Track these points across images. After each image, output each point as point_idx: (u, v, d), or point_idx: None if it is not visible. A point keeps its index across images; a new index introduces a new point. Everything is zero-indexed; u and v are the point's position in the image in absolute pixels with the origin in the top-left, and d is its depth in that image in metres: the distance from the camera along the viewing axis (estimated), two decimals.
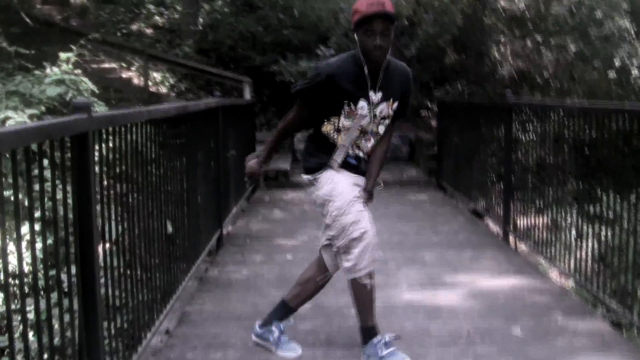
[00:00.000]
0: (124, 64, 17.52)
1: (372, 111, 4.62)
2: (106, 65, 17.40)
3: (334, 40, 15.47)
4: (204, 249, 7.02)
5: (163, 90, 17.35)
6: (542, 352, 4.86)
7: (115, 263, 4.13)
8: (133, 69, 17.55)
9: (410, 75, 4.85)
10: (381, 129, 4.74)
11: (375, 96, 4.59)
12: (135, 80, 17.25)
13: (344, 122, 4.60)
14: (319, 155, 4.72)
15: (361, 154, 4.75)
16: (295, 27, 17.80)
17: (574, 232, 6.60)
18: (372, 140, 4.75)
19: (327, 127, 4.66)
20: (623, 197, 5.54)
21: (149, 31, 20.05)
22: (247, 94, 14.58)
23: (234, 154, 9.21)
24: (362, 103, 4.56)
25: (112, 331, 4.02)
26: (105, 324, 3.85)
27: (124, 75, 17.30)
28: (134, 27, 20.06)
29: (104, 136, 3.91)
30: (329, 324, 5.43)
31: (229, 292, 6.26)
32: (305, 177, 4.86)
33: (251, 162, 4.90)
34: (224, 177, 8.50)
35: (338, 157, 4.66)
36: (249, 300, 6.02)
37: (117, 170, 4.27)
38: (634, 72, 12.76)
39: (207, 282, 6.57)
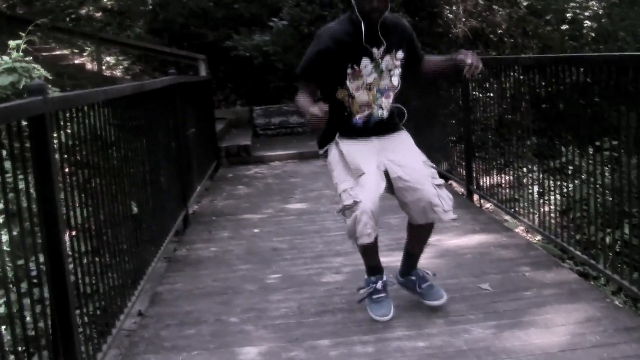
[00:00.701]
0: (75, 50, 17.35)
1: (379, 67, 4.65)
2: (58, 52, 17.22)
3: (286, 11, 15.42)
4: (171, 229, 7.01)
5: (117, 73, 17.22)
6: (512, 304, 4.93)
7: (82, 249, 4.11)
8: (85, 54, 17.39)
9: (404, 21, 4.92)
10: (395, 81, 4.76)
11: (378, 51, 4.62)
12: (89, 66, 17.11)
13: (350, 85, 4.64)
14: (330, 125, 4.60)
15: (385, 114, 4.81)
16: (246, 1, 17.66)
17: (537, 188, 6.66)
18: (392, 95, 4.79)
19: (342, 93, 4.70)
20: (583, 150, 5.59)
21: (98, 14, 19.81)
22: (203, 71, 14.52)
23: (194, 132, 9.17)
24: (364, 61, 4.60)
25: (85, 318, 4.01)
26: (78, 311, 3.84)
27: (77, 61, 17.15)
28: (83, 11, 19.80)
29: (61, 119, 3.89)
30: (300, 293, 5.46)
31: (198, 269, 6.27)
32: (321, 151, 4.97)
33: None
34: (186, 156, 8.47)
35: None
36: (219, 276, 6.04)
37: (77, 153, 4.25)
38: (586, 23, 12.86)
39: (177, 262, 6.57)
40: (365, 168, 4.55)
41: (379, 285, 4.88)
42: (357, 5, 4.52)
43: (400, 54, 4.75)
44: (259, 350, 4.44)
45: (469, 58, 4.55)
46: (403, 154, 4.73)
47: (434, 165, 4.81)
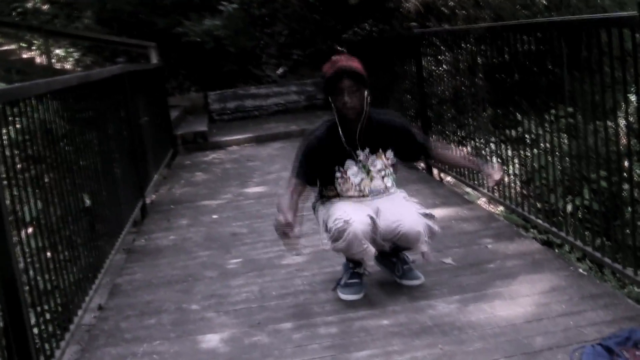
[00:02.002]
0: (23, 44, 17.09)
1: (365, 168, 4.68)
2: (5, 48, 16.95)
3: None
4: (128, 220, 6.90)
5: (68, 66, 16.99)
6: (475, 278, 4.90)
7: (33, 245, 4.02)
8: (34, 48, 17.14)
9: (394, 118, 4.97)
10: (388, 182, 4.79)
11: (363, 153, 4.67)
12: (38, 60, 16.86)
13: (341, 187, 4.70)
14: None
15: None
16: None
17: (496, 159, 6.62)
18: (384, 196, 4.77)
19: (330, 193, 4.75)
20: (541, 118, 5.56)
21: (45, 7, 19.50)
22: (154, 59, 14.32)
23: (147, 120, 9.04)
24: (349, 163, 4.66)
25: (40, 316, 3.93)
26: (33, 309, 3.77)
27: (26, 55, 16.89)
28: (29, 4, 19.49)
29: (2, 112, 3.77)
30: (261, 276, 5.39)
31: (158, 259, 6.18)
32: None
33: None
34: (140, 145, 8.33)
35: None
36: (178, 264, 5.95)
37: (24, 148, 4.15)
38: None
39: (135, 252, 6.46)
40: (357, 211, 4.54)
41: (360, 270, 4.82)
42: (333, 107, 4.60)
43: (389, 154, 4.77)
44: (221, 337, 4.37)
45: (496, 175, 4.68)
46: (398, 204, 4.72)
47: (431, 213, 4.78)
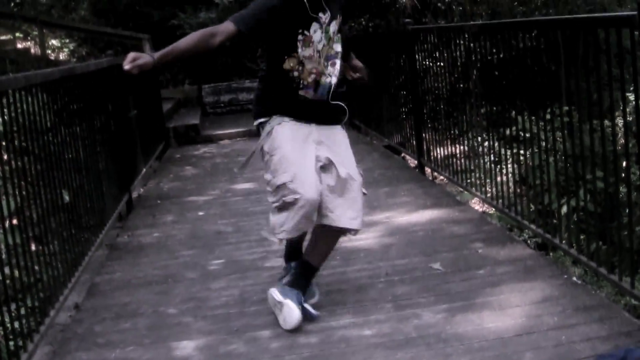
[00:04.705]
0: (19, 35, 16.97)
1: (327, 33, 4.38)
2: (2, 37, 16.83)
3: None
4: (112, 215, 6.75)
5: (63, 57, 16.87)
6: (464, 285, 4.73)
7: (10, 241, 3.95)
8: (29, 38, 17.02)
9: None
10: (337, 47, 4.47)
11: (325, 16, 4.34)
12: (33, 50, 16.73)
13: (302, 52, 4.31)
14: (271, 98, 4.43)
15: (333, 80, 4.47)
16: None
17: (492, 158, 6.47)
18: (337, 63, 4.48)
19: (291, 62, 4.33)
20: (537, 117, 5.41)
21: None
22: (148, 51, 14.21)
23: (136, 114, 8.87)
24: (314, 26, 4.32)
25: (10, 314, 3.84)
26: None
27: (20, 45, 16.75)
28: None
29: None
30: (243, 279, 5.23)
31: (139, 257, 6.02)
32: (255, 122, 4.54)
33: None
34: (128, 138, 8.20)
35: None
36: (160, 263, 5.80)
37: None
38: None
39: (117, 249, 6.31)
40: (306, 160, 4.27)
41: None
42: None
43: (339, 19, 4.47)
44: (197, 344, 4.20)
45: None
46: (342, 156, 4.44)
47: (362, 174, 4.49)
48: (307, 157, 4.28)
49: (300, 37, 4.30)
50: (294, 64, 4.34)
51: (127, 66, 3.91)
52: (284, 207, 4.17)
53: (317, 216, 4.22)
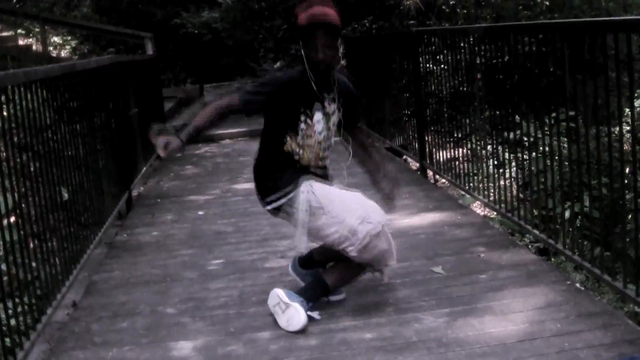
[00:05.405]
0: (21, 31, 16.95)
1: (328, 123, 4.43)
2: (3, 34, 16.82)
3: None
4: (111, 213, 6.71)
5: (65, 54, 16.84)
6: (466, 289, 4.68)
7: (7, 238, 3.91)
8: (32, 35, 17.00)
9: (350, 83, 4.68)
10: (334, 138, 4.56)
11: (329, 107, 4.41)
12: (35, 47, 16.71)
13: (305, 141, 4.37)
14: (281, 170, 4.37)
15: (327, 162, 4.57)
16: None
17: (493, 162, 6.44)
18: (329, 153, 4.56)
19: (292, 145, 4.36)
20: (541, 121, 5.37)
21: None
22: (150, 50, 14.18)
23: (137, 112, 8.84)
24: (318, 116, 4.37)
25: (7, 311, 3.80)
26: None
27: (22, 42, 16.73)
28: None
29: None
30: (242, 280, 5.18)
31: (137, 256, 5.97)
32: (272, 200, 4.43)
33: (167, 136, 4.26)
34: (129, 137, 8.17)
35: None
36: (158, 262, 5.75)
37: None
38: None
39: (116, 248, 6.27)
40: (356, 194, 4.37)
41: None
42: (305, 57, 4.31)
43: (341, 111, 4.53)
44: (194, 345, 4.16)
45: (389, 199, 4.63)
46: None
47: None
48: (353, 192, 4.37)
49: (303, 125, 4.34)
50: (294, 147, 4.39)
51: (163, 154, 4.14)
52: (371, 241, 4.15)
53: None
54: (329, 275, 4.47)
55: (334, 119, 4.46)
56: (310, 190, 4.27)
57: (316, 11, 4.24)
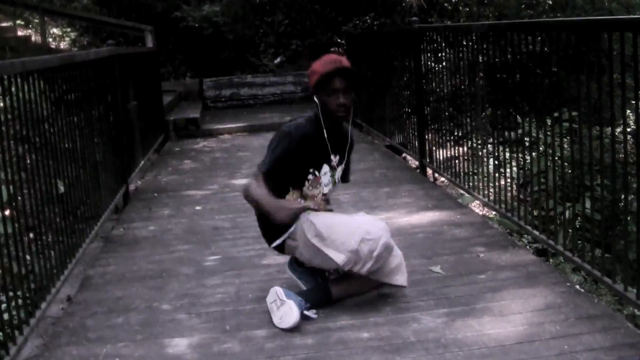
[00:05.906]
0: (20, 22, 16.88)
1: (334, 176, 4.50)
2: (3, 25, 16.75)
3: None
4: (107, 207, 6.66)
5: (64, 46, 16.78)
6: (465, 289, 4.64)
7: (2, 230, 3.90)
8: (31, 26, 16.93)
9: (352, 135, 4.69)
10: (334, 191, 4.65)
11: (335, 159, 4.46)
12: (33, 38, 16.65)
13: (309, 191, 4.42)
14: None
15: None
16: None
17: (493, 161, 6.39)
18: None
19: (295, 194, 4.42)
20: (541, 121, 5.33)
21: None
22: (150, 43, 14.14)
23: (136, 105, 8.79)
24: (325, 168, 4.42)
25: None
26: None
27: (21, 33, 16.65)
28: None
29: None
30: (238, 276, 5.14)
31: (134, 250, 5.93)
32: (279, 240, 4.49)
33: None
34: (127, 130, 8.11)
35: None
36: (154, 258, 5.70)
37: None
38: None
39: (112, 242, 6.22)
40: (354, 215, 4.44)
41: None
42: (320, 105, 4.34)
43: (343, 166, 4.64)
44: (190, 342, 4.11)
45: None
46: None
47: None
48: (350, 214, 4.49)
49: (310, 176, 4.39)
50: (297, 196, 4.44)
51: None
52: (379, 258, 4.17)
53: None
54: (336, 285, 4.46)
55: (338, 173, 4.54)
56: (309, 219, 4.31)
57: (332, 58, 4.31)
